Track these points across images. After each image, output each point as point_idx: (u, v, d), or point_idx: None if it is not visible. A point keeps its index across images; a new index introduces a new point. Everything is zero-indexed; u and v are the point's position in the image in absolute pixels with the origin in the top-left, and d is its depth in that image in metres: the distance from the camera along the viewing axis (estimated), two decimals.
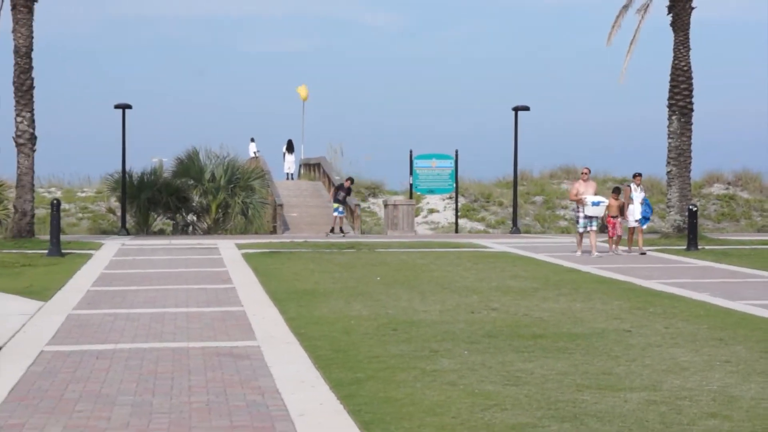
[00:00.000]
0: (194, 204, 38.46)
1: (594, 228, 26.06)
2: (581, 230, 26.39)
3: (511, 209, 41.08)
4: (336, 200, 35.15)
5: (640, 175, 27.74)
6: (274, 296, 17.47)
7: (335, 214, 34.81)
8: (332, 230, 34.41)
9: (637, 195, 27.18)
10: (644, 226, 27.52)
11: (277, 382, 10.53)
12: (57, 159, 66.58)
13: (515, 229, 37.68)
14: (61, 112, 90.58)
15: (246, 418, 9.01)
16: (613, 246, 26.80)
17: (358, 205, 39.91)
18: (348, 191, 36.14)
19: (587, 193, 26.21)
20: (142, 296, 17.62)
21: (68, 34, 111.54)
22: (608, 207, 26.43)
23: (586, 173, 26.76)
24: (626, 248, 27.31)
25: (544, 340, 13.05)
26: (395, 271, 21.95)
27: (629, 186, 27.50)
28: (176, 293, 17.98)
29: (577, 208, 26.58)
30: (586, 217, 26.08)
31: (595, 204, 25.99)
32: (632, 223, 27.05)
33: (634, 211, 26.97)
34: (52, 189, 47.29)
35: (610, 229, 26.72)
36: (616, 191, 27.15)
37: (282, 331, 13.88)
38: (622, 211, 26.83)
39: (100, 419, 8.97)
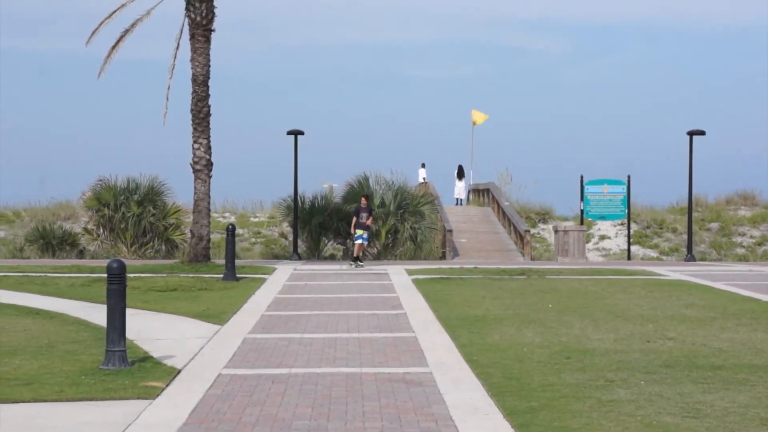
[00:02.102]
0: None
1: None
2: None
3: (685, 236, 40.19)
4: (359, 225, 30.60)
5: None
6: (445, 322, 17.44)
7: (357, 241, 30.75)
8: (358, 258, 30.79)
9: None
10: None
11: (451, 409, 10.48)
12: (231, 184, 68.11)
13: (690, 257, 36.81)
14: (236, 138, 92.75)
15: None
16: None
17: (528, 231, 39.60)
18: (369, 211, 30.98)
19: None
20: (314, 321, 17.81)
21: (241, 63, 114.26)
22: None
23: None
24: None
25: (723, 372, 12.66)
26: (567, 298, 21.67)
27: None
28: (348, 318, 18.12)
29: None
30: None
31: None
32: None
33: None
34: (227, 214, 48.40)
35: None
36: None
37: (454, 357, 13.83)
38: None
39: None
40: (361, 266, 30.23)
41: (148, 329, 16.55)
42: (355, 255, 30.78)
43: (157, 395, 11.23)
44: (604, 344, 14.96)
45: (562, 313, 18.79)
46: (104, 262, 33.01)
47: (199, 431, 9.55)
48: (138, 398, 11.05)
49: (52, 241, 37.86)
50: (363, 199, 31.18)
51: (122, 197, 37.85)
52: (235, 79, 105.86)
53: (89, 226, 39.44)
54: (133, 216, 37.45)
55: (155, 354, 13.91)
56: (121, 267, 12.95)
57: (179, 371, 12.72)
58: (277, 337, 15.76)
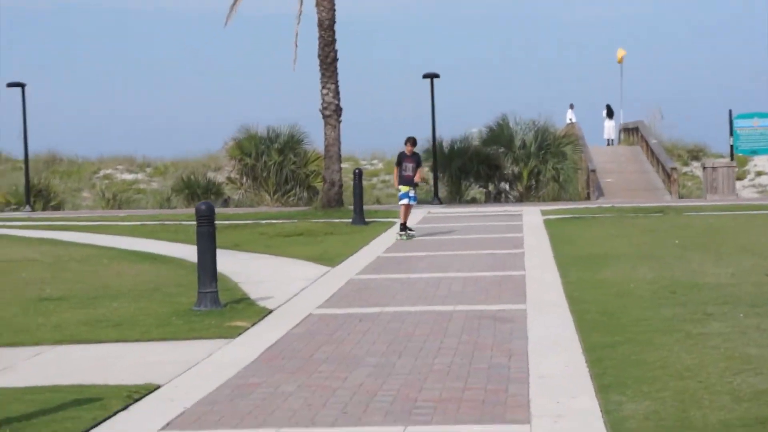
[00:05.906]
0: (506, 172, 38.21)
1: None
2: None
3: None
4: (402, 179, 22.02)
5: None
6: (560, 261, 16.98)
7: (403, 201, 21.96)
8: (403, 227, 21.91)
9: None
10: None
11: (530, 344, 10.16)
12: (375, 132, 67.95)
13: None
14: (377, 85, 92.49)
15: (482, 381, 8.69)
16: None
17: (675, 168, 38.45)
18: (417, 161, 22.12)
19: None
20: (428, 261, 17.58)
21: (373, 8, 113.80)
22: None
23: None
24: None
25: None
26: (698, 234, 20.92)
27: None
28: (462, 258, 17.82)
29: None
30: None
31: None
32: None
33: None
34: (375, 161, 48.41)
35: None
36: None
37: (555, 295, 13.43)
38: None
39: (336, 379, 8.91)
40: (413, 235, 22.00)
41: (257, 273, 16.60)
42: (402, 221, 21.99)
43: (239, 335, 11.20)
44: (718, 278, 14.31)
45: (686, 249, 18.12)
46: (245, 210, 33.46)
47: (264, 369, 9.45)
48: (219, 338, 11.03)
49: (197, 190, 38.49)
50: (408, 145, 21.99)
51: (263, 146, 38.18)
52: (373, 23, 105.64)
53: (232, 175, 39.97)
54: (274, 164, 37.76)
55: (253, 295, 13.91)
56: (209, 209, 12.98)
57: (270, 311, 12.68)
58: (382, 278, 15.61)
